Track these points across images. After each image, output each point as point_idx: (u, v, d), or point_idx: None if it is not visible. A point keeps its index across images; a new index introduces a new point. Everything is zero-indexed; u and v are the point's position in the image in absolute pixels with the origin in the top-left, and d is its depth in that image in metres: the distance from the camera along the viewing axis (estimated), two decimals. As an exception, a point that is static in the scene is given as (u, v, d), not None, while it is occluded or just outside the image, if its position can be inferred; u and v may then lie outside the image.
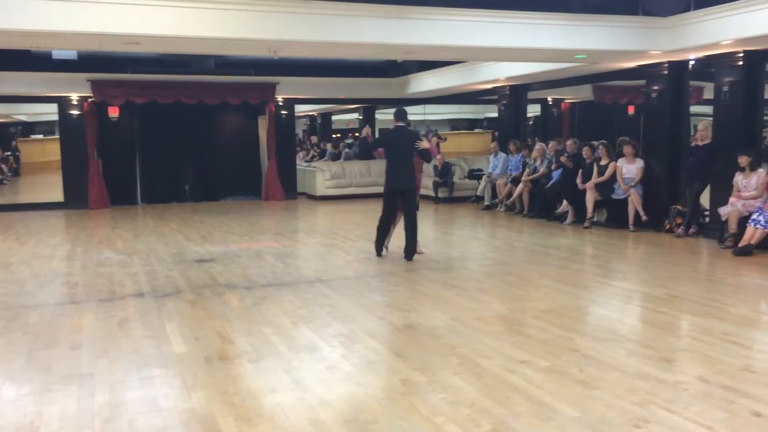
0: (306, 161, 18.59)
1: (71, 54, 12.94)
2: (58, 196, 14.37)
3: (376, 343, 4.90)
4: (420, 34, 8.04)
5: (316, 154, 20.42)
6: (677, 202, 10.03)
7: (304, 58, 13.43)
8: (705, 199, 9.70)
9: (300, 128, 25.30)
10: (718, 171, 9.28)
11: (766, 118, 10.35)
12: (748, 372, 4.22)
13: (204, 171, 15.69)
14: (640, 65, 10.50)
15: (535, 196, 11.99)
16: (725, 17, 8.02)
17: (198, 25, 7.26)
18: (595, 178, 10.62)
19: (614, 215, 10.72)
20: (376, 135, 15.21)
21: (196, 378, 4.23)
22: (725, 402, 3.74)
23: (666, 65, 10.03)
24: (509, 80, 13.06)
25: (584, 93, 16.06)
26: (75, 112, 14.03)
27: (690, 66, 10.09)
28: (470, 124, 27.03)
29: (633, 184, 10.21)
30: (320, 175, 15.58)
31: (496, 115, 16.38)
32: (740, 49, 8.75)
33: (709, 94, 12.81)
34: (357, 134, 21.31)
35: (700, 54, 9.41)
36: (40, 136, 25.13)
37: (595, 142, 11.14)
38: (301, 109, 20.19)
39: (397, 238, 8.25)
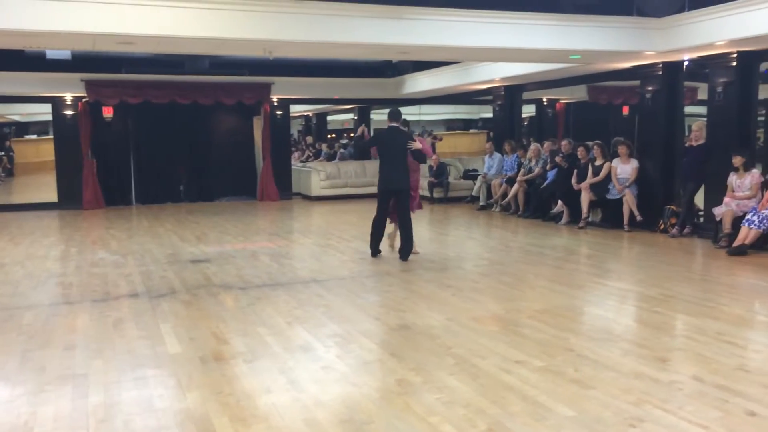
0: (301, 161, 18.57)
1: (65, 54, 12.89)
2: (52, 196, 14.31)
3: (372, 344, 4.90)
4: (415, 34, 8.04)
5: (311, 154, 20.39)
6: (672, 202, 10.06)
7: (299, 59, 13.40)
8: (699, 199, 9.74)
9: (295, 128, 25.29)
10: (712, 171, 9.31)
11: (759, 118, 10.39)
12: (743, 371, 4.24)
13: (199, 171, 15.63)
14: (634, 66, 10.53)
15: (530, 197, 12.01)
16: (719, 18, 8.05)
17: (192, 25, 7.24)
18: (589, 179, 10.64)
19: (609, 215, 10.75)
20: (372, 135, 15.23)
21: (191, 378, 4.22)
22: (720, 401, 3.75)
23: (660, 66, 10.05)
24: (504, 80, 13.07)
25: (579, 93, 16.10)
26: (69, 112, 13.98)
27: (684, 67, 10.13)
28: (465, 125, 27.07)
29: (628, 184, 10.24)
30: (315, 176, 15.56)
31: (491, 115, 16.39)
32: (734, 49, 8.78)
33: (703, 94, 12.85)
34: (352, 134, 21.28)
35: (695, 55, 9.44)
36: (34, 137, 25.04)
37: (590, 143, 11.16)
38: (296, 110, 20.15)
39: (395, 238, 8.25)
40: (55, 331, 5.31)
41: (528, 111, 17.69)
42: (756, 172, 8.69)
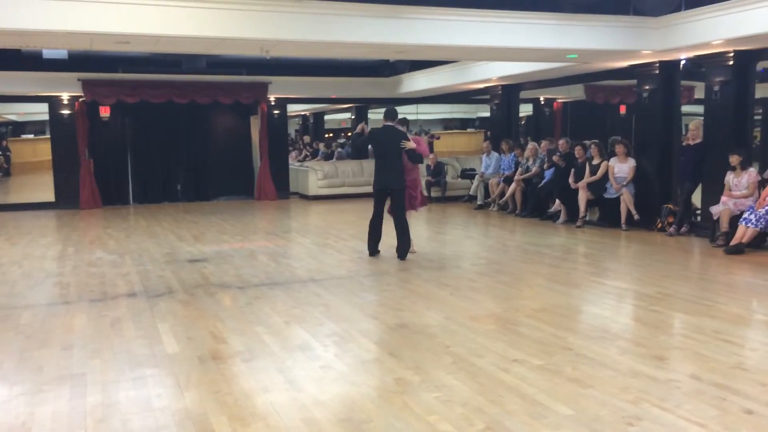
0: (298, 161, 18.56)
1: (62, 53, 12.85)
2: (49, 196, 14.29)
3: (370, 343, 4.90)
4: (412, 33, 8.04)
5: (308, 153, 20.39)
6: (669, 201, 10.08)
7: (296, 58, 13.39)
8: (696, 198, 9.76)
9: (292, 128, 25.29)
10: (709, 170, 9.33)
11: (756, 117, 10.41)
12: (740, 370, 4.25)
13: (196, 171, 15.62)
14: (631, 65, 10.54)
15: (528, 196, 12.02)
16: (716, 17, 8.06)
17: (190, 25, 7.22)
18: (587, 178, 10.65)
19: (606, 214, 10.77)
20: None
21: (189, 378, 4.22)
22: (717, 399, 3.76)
23: (657, 65, 10.07)
24: (501, 80, 13.08)
25: (576, 92, 16.14)
26: (66, 111, 13.96)
27: (681, 66, 10.14)
28: (462, 124, 27.11)
29: (625, 183, 10.25)
30: (313, 175, 15.56)
31: (488, 114, 16.42)
32: (731, 48, 8.80)
33: (700, 93, 12.91)
34: (349, 134, 21.30)
35: (691, 54, 9.46)
36: (31, 136, 25.03)
37: (587, 142, 11.19)
38: (293, 109, 20.17)
39: (391, 237, 8.24)
40: (53, 331, 5.30)
41: (525, 110, 17.73)
42: (753, 171, 8.72)
